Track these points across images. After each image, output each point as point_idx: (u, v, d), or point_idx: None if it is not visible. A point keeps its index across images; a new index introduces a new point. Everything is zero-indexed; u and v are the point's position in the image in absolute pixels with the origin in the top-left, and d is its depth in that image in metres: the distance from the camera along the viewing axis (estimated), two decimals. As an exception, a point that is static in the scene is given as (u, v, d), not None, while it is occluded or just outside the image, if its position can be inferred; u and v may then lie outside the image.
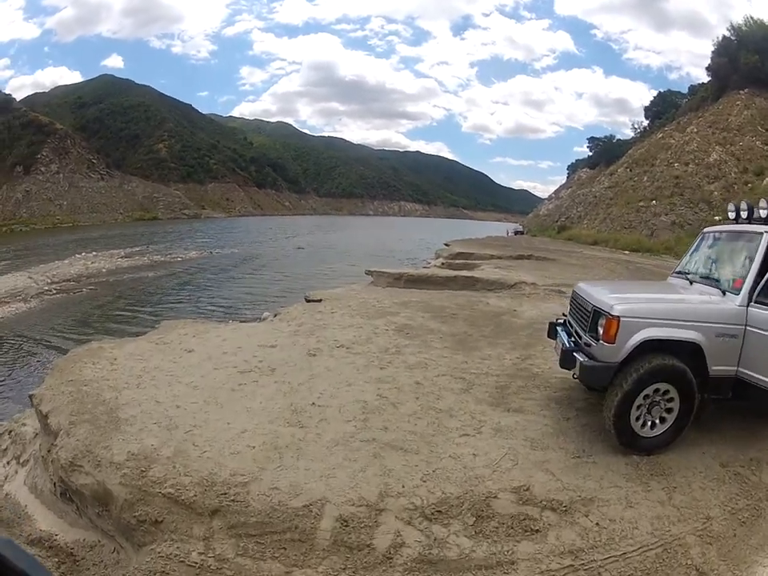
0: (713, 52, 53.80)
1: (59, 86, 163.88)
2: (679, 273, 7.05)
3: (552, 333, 6.95)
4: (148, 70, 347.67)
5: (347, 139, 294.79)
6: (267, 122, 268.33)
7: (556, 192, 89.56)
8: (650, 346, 5.31)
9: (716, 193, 41.25)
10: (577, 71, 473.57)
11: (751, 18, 51.66)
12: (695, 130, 48.94)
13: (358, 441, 5.40)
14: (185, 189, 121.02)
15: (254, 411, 6.02)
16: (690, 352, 5.38)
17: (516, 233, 66.47)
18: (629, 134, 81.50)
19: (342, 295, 14.09)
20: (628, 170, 53.56)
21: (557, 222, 62.40)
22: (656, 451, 5.40)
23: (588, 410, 6.33)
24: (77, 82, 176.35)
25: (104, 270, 33.09)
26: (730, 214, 6.69)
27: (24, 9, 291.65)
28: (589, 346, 5.66)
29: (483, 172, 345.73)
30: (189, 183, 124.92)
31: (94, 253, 39.97)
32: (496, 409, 6.35)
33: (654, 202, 44.17)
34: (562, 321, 7.05)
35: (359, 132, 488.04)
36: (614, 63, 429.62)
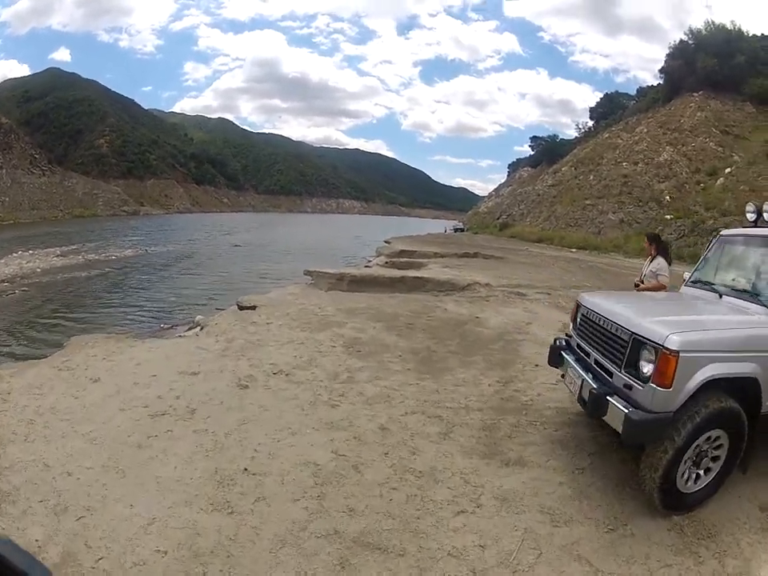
0: (667, 55, 55.51)
1: (8, 80, 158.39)
2: (697, 282, 5.80)
3: (555, 359, 5.51)
4: (95, 64, 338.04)
5: (287, 136, 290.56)
6: (208, 117, 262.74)
7: (496, 190, 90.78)
8: (707, 386, 3.97)
9: (666, 192, 41.26)
10: (521, 72, 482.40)
11: (712, 22, 53.35)
12: (645, 130, 49.29)
13: (313, 537, 3.75)
14: (125, 185, 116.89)
15: (166, 484, 4.32)
16: (743, 388, 4.16)
17: (456, 230, 66.45)
18: (572, 134, 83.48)
19: (279, 301, 12.26)
20: (573, 168, 53.83)
21: (498, 219, 62.81)
22: (697, 506, 4.25)
23: (601, 453, 5.03)
24: (25, 75, 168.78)
25: (38, 270, 30.67)
26: (749, 215, 5.58)
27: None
28: (629, 388, 4.18)
29: (422, 170, 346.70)
30: (129, 179, 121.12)
31: (31, 252, 37.39)
32: (491, 463, 4.85)
33: (601, 200, 44.00)
34: (565, 341, 5.61)
35: (300, 129, 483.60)
36: (559, 65, 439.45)
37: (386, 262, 23.01)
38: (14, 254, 35.52)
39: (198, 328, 10.13)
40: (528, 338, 9.38)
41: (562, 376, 5.43)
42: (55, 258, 35.16)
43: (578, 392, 4.77)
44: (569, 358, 5.21)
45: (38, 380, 6.65)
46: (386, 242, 34.65)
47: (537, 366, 7.37)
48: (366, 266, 23.21)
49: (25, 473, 4.41)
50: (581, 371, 4.83)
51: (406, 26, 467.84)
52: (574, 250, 35.91)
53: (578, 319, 5.39)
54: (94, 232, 57.71)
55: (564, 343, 5.58)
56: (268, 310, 10.76)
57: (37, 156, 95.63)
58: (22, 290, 25.20)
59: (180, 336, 10.24)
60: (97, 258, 37.16)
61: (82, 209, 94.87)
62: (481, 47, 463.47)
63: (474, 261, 24.03)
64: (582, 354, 5.15)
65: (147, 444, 4.93)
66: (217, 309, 21.63)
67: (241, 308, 11.23)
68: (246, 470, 4.54)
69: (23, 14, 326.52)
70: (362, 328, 9.64)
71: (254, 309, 10.73)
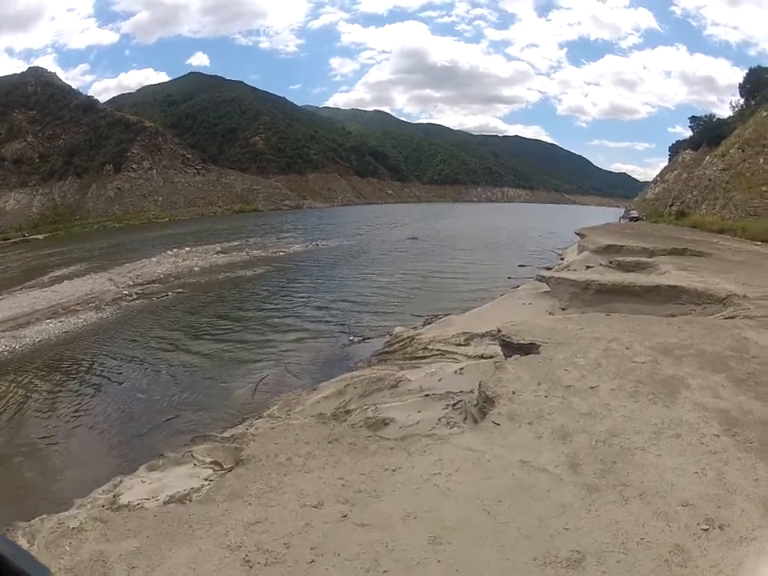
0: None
1: (146, 86, 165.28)
2: None
3: None
4: (236, 67, 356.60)
5: (446, 125, 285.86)
6: (364, 111, 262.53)
7: (661, 174, 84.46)
8: None
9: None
10: (662, 49, 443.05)
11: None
12: (800, 107, 42.36)
13: None
14: (285, 180, 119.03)
15: None
16: None
17: (631, 218, 60.76)
18: (720, 113, 75.23)
19: (560, 333, 8.32)
20: (740, 150, 46.88)
21: (671, 206, 57.62)
22: None
23: None
24: (164, 81, 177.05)
25: (196, 269, 29.53)
26: None
27: (95, 16, 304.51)
28: None
29: (582, 155, 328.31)
30: (289, 174, 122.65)
31: (187, 249, 36.61)
32: None
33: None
34: None
35: (456, 118, 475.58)
36: (696, 40, 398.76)
37: (611, 262, 19.22)
38: (169, 252, 35.27)
39: (478, 405, 5.92)
40: None
41: None
42: (215, 255, 34.11)
43: None
44: None
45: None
46: (577, 233, 30.94)
47: None
48: (588, 267, 19.79)
49: None
50: None
51: (545, 7, 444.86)
52: (758, 243, 30.74)
53: None
54: (256, 226, 58.16)
55: None
56: (561, 352, 7.13)
57: (189, 156, 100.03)
58: (176, 292, 23.78)
59: (463, 425, 6.22)
60: (262, 254, 35.87)
61: (242, 204, 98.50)
62: (620, 25, 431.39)
63: (690, 259, 19.74)
64: None
65: None
66: (412, 315, 18.88)
67: (512, 346, 7.67)
68: None
69: (144, 25, 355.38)
70: (711, 387, 6.19)
71: (537, 350, 7.13)
